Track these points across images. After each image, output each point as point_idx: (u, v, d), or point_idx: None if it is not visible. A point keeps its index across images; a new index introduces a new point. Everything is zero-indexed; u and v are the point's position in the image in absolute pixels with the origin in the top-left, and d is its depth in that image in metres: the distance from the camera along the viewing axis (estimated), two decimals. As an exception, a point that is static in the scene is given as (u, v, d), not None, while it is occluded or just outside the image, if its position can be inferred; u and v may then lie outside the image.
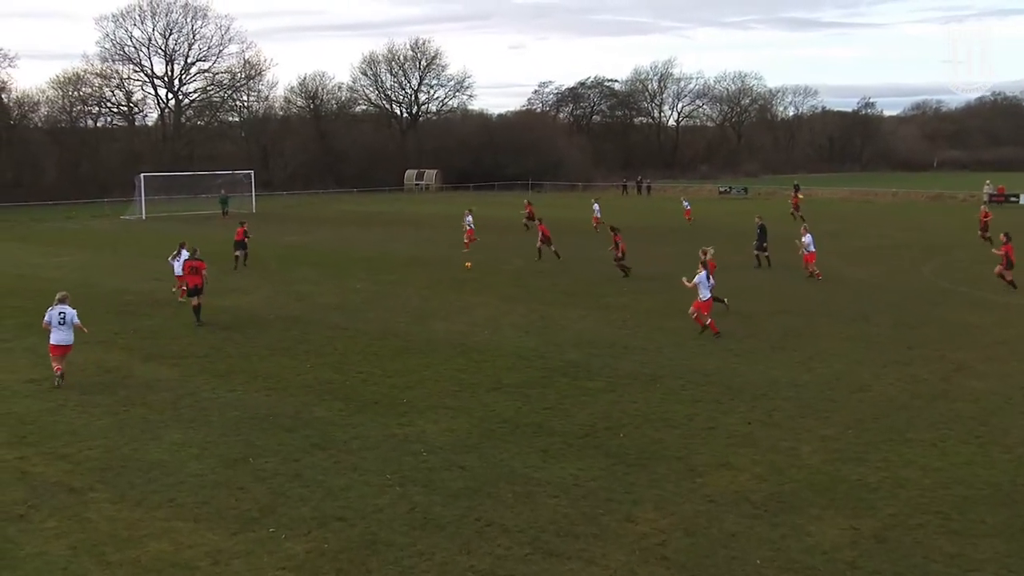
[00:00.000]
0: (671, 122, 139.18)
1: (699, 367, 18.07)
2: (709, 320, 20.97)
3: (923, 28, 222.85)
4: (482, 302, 26.01)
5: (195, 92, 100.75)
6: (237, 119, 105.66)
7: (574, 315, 23.85)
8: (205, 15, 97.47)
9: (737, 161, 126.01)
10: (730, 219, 54.89)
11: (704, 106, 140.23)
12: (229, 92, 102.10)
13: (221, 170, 78.31)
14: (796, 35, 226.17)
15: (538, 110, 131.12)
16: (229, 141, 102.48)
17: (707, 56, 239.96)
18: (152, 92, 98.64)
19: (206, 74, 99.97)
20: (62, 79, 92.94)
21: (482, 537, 10.34)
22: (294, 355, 19.56)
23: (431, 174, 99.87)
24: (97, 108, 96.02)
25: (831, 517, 10.80)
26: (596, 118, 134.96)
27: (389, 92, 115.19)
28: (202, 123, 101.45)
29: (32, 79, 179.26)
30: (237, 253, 34.24)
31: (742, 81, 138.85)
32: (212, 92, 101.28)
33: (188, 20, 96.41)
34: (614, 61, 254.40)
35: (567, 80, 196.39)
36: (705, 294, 20.92)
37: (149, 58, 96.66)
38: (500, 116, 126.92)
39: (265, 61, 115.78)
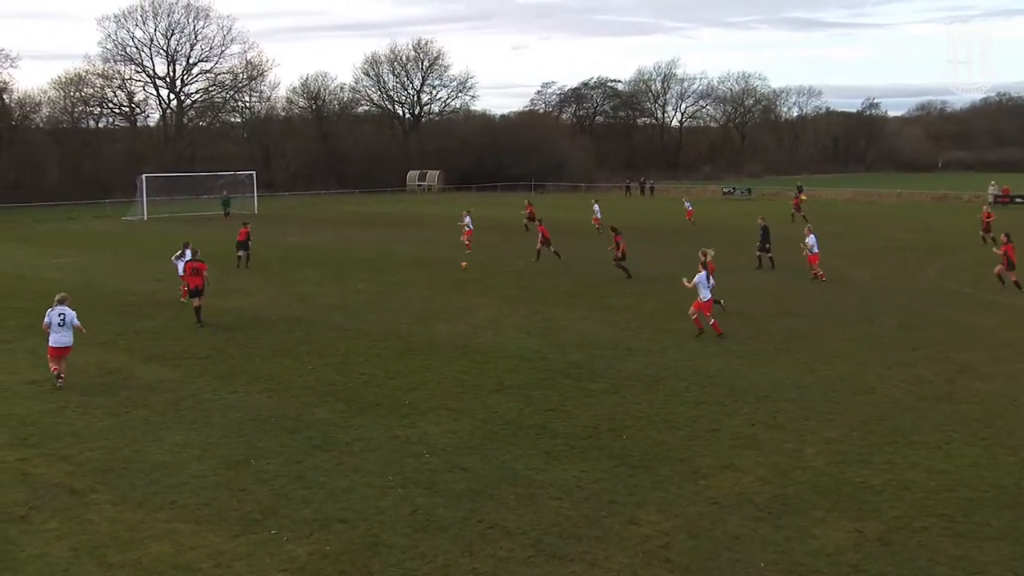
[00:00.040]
0: (674, 123, 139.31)
1: (703, 369, 18.01)
2: (712, 321, 20.93)
3: (928, 28, 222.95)
4: (484, 303, 25.97)
5: (197, 92, 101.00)
6: (239, 120, 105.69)
7: (577, 316, 23.80)
8: (207, 15, 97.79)
9: (741, 162, 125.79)
10: (733, 220, 54.80)
11: (707, 107, 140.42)
12: (231, 93, 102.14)
13: (223, 171, 78.30)
14: (799, 35, 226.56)
15: (541, 111, 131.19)
16: (231, 142, 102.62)
17: (710, 56, 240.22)
18: (154, 93, 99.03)
19: (208, 74, 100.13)
20: (64, 80, 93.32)
21: (484, 539, 10.30)
22: (296, 356, 19.53)
23: (433, 175, 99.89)
24: (99, 109, 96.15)
25: (835, 520, 10.74)
26: (599, 119, 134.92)
27: (391, 93, 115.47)
28: (204, 124, 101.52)
29: (34, 80, 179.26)
30: (240, 253, 34.24)
31: (746, 81, 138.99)
32: (214, 93, 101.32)
33: (190, 20, 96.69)
34: (617, 61, 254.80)
35: (570, 80, 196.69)
36: (705, 294, 20.89)
37: (151, 58, 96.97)
38: (503, 117, 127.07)
39: (267, 61, 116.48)
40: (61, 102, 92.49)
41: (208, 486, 11.96)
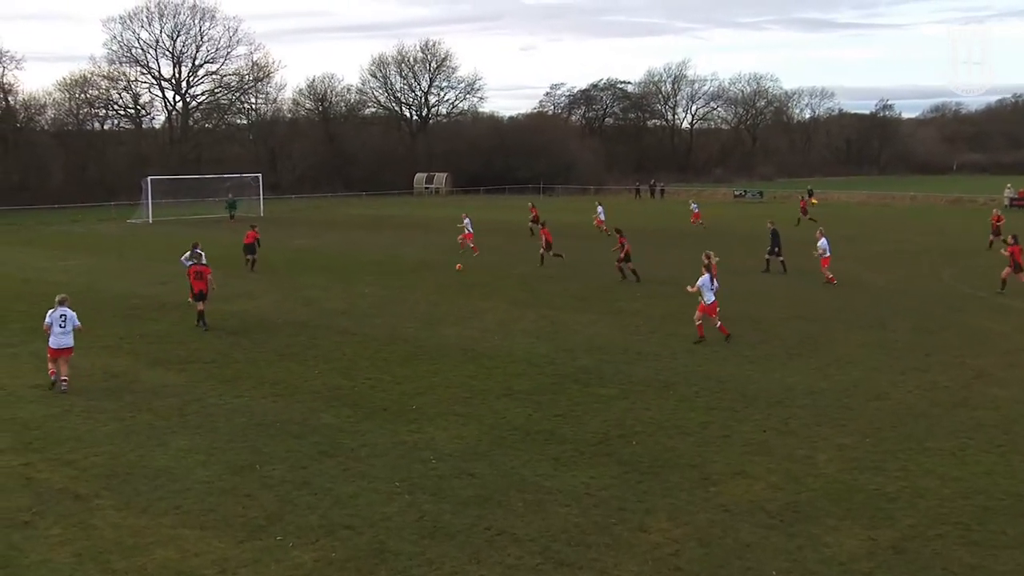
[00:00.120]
0: (685, 124, 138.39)
1: (713, 374, 17.85)
2: (718, 323, 20.76)
3: (943, 29, 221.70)
4: (492, 307, 25.85)
5: (203, 94, 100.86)
6: (245, 122, 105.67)
7: (585, 320, 23.66)
8: (213, 17, 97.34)
9: (752, 164, 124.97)
10: (745, 223, 54.56)
11: (718, 108, 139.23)
12: (237, 94, 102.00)
13: (229, 173, 78.35)
14: (812, 36, 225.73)
15: (550, 112, 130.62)
16: (237, 144, 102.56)
17: (721, 57, 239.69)
18: (159, 94, 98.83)
19: (214, 76, 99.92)
20: (69, 81, 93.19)
21: (492, 546, 10.17)
22: (302, 361, 19.43)
23: (441, 177, 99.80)
24: (104, 111, 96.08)
25: (848, 527, 10.59)
26: (609, 120, 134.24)
27: (399, 94, 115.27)
28: (210, 126, 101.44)
29: (39, 81, 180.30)
30: (248, 257, 34.16)
31: (757, 83, 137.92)
32: (220, 94, 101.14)
33: (196, 22, 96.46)
34: (627, 63, 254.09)
35: (579, 82, 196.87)
36: (709, 297, 20.73)
37: (156, 60, 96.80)
38: (511, 119, 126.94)
39: (273, 63, 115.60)
40: (66, 104, 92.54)
41: (213, 491, 11.86)
